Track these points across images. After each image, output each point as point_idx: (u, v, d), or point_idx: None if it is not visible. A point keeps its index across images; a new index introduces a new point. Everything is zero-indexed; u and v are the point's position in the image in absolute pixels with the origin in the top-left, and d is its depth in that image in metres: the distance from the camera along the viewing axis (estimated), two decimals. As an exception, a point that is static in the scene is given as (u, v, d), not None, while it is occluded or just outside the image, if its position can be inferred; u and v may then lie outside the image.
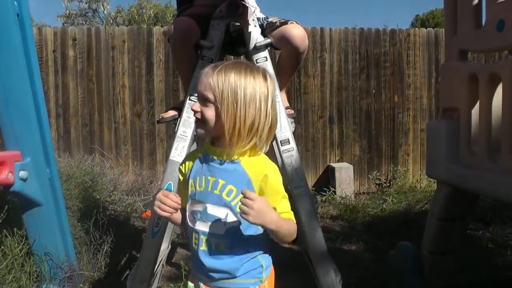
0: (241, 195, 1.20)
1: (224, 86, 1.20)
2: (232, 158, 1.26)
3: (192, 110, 1.25)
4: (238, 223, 1.25)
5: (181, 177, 1.38)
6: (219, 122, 1.22)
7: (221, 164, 1.27)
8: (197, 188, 1.29)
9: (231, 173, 1.26)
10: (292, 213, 1.29)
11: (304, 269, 2.44)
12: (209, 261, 1.27)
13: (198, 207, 1.28)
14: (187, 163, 1.36)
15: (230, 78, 1.21)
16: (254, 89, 1.23)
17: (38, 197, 2.19)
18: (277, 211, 1.24)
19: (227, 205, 1.25)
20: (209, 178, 1.27)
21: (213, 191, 1.26)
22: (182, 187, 1.36)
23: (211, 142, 1.30)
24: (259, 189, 1.25)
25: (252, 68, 1.27)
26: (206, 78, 1.23)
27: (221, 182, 1.26)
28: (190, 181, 1.31)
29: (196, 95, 2.14)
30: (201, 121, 1.25)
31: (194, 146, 2.22)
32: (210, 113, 1.22)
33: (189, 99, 2.18)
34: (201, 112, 1.24)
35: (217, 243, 1.26)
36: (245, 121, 1.22)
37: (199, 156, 1.33)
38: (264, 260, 1.32)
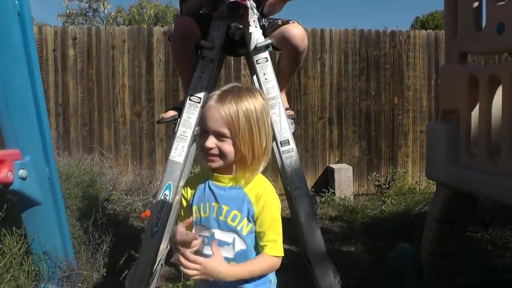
0: (245, 219, 1.27)
1: (239, 117, 1.21)
2: (234, 184, 1.29)
3: (207, 147, 1.23)
4: (245, 246, 1.29)
5: (184, 202, 1.38)
6: (238, 153, 1.24)
7: (223, 190, 1.30)
8: (202, 214, 1.31)
9: (234, 198, 1.28)
10: (278, 243, 1.30)
11: (303, 270, 2.44)
12: (220, 282, 1.27)
13: (205, 233, 1.30)
14: (189, 188, 1.37)
15: (242, 108, 1.22)
16: (261, 112, 1.25)
17: (37, 196, 2.19)
18: (265, 236, 1.28)
19: (233, 230, 1.28)
20: (213, 204, 1.30)
21: (218, 217, 1.29)
22: (185, 211, 1.38)
23: (212, 169, 1.30)
24: (258, 211, 1.28)
25: (249, 90, 1.28)
26: (216, 112, 1.22)
27: (225, 208, 1.28)
28: (194, 207, 1.33)
29: (196, 97, 2.16)
30: (218, 155, 1.25)
31: (194, 147, 2.22)
32: (228, 147, 1.23)
33: (189, 99, 2.18)
34: (218, 147, 1.23)
35: None
36: (261, 145, 1.26)
37: (201, 182, 1.34)
38: (272, 276, 1.36)
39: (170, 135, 5.18)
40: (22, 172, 2.08)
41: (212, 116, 1.22)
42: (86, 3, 11.72)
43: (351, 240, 3.65)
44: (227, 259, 1.27)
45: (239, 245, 1.28)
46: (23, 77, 2.13)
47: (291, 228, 2.24)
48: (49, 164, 2.31)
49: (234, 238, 1.28)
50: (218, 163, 1.26)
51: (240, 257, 1.28)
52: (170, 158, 2.16)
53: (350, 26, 5.72)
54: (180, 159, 2.13)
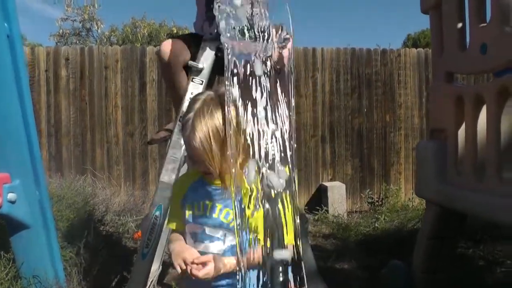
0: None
1: (201, 138, 1.23)
2: (224, 183, 1.31)
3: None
4: (235, 242, 1.28)
5: (175, 201, 1.43)
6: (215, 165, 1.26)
7: (216, 189, 1.34)
8: (195, 212, 1.36)
9: (226, 197, 1.31)
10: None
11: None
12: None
13: (197, 230, 1.35)
14: (180, 187, 1.43)
15: (202, 128, 1.24)
16: (214, 131, 1.24)
17: (27, 220, 2.18)
18: None
19: (225, 227, 1.32)
20: (206, 203, 1.34)
21: (211, 215, 1.33)
22: (176, 210, 1.42)
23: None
24: None
25: (210, 101, 1.28)
26: (186, 138, 1.27)
27: (218, 206, 1.33)
28: (187, 205, 1.37)
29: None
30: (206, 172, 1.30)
31: (185, 167, 2.23)
32: (204, 167, 1.27)
33: (179, 121, 2.20)
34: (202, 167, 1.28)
35: None
36: (220, 156, 1.25)
37: (193, 181, 1.39)
38: None
39: (163, 155, 5.18)
40: (11, 196, 2.08)
41: (184, 141, 1.30)
42: (80, 22, 11.75)
43: (344, 257, 3.64)
44: (217, 255, 1.30)
45: (229, 241, 1.32)
46: (12, 99, 2.13)
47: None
48: (39, 186, 2.30)
49: (225, 234, 1.32)
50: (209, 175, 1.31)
51: (229, 253, 1.31)
52: (160, 179, 2.17)
53: (343, 44, 5.78)
54: (171, 181, 2.14)
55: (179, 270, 1.27)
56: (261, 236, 1.32)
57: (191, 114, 1.27)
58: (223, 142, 1.24)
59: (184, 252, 1.29)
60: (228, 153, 1.24)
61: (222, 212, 1.32)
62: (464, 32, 2.02)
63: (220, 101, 1.28)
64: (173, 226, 1.44)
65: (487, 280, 2.94)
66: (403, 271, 2.48)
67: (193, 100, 1.33)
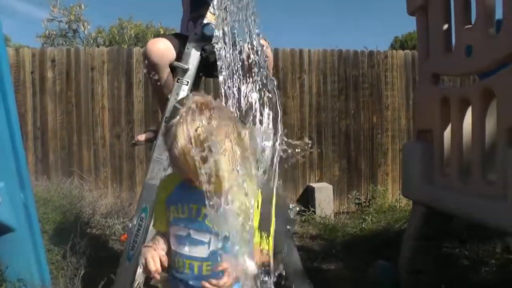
0: None
1: (182, 146, 1.21)
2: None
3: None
4: (220, 246, 1.29)
5: (159, 202, 1.41)
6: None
7: (201, 192, 1.28)
8: (180, 215, 1.34)
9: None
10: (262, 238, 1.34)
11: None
12: (193, 283, 1.31)
13: (182, 232, 1.33)
14: (166, 188, 1.41)
15: (184, 136, 1.22)
16: (197, 132, 1.23)
17: (11, 223, 2.16)
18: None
19: (210, 231, 1.29)
20: (191, 206, 1.32)
21: (196, 218, 1.31)
22: (161, 211, 1.40)
23: None
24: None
25: (194, 108, 1.26)
26: (168, 145, 1.27)
27: (203, 209, 1.29)
28: (172, 207, 1.35)
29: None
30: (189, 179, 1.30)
31: (170, 170, 2.22)
32: (186, 174, 1.27)
33: (165, 122, 2.19)
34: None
35: (199, 266, 1.31)
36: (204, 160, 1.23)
37: (178, 182, 1.37)
38: None
39: (150, 157, 5.16)
40: (-5, 199, 2.06)
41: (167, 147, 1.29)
42: (66, 23, 11.66)
43: (331, 258, 3.64)
44: (201, 259, 1.31)
45: (214, 245, 1.30)
46: (-5, 101, 2.11)
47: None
48: (24, 189, 2.27)
49: (210, 238, 1.31)
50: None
51: (213, 258, 1.29)
52: (146, 180, 2.16)
53: (330, 46, 5.80)
54: (157, 182, 2.13)
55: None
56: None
57: (174, 121, 1.25)
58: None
59: (148, 251, 1.30)
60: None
61: (207, 216, 1.29)
62: (450, 34, 2.04)
63: (204, 108, 1.26)
64: (158, 227, 1.44)
65: (472, 280, 2.97)
66: (389, 271, 2.49)
67: (178, 106, 1.32)
